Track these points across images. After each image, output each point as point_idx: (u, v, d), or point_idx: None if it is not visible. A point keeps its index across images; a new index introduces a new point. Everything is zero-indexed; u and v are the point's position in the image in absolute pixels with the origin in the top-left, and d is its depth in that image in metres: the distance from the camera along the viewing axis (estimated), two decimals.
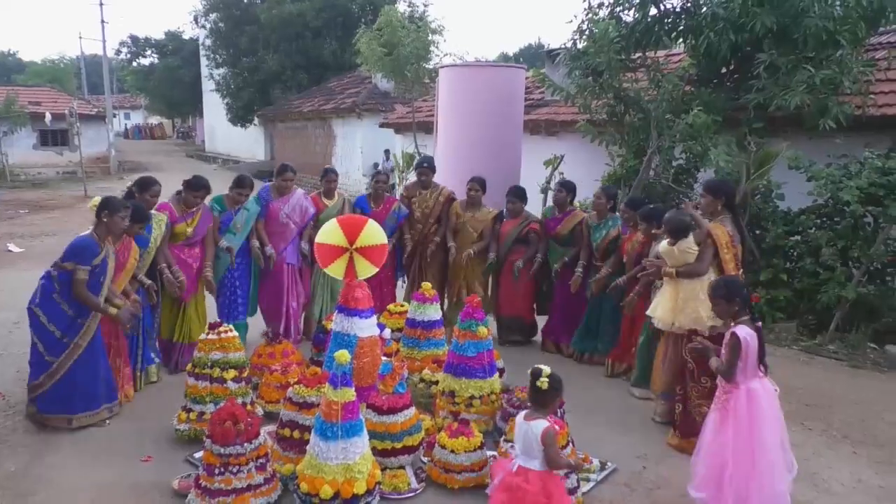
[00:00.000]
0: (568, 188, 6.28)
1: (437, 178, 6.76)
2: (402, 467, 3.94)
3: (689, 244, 4.43)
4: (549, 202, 9.26)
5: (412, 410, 4.04)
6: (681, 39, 8.75)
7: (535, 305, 6.57)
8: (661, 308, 4.57)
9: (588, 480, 3.94)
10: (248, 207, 5.79)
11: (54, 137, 25.36)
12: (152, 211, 5.15)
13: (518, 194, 6.40)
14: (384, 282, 6.46)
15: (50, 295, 4.27)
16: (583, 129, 8.58)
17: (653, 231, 5.04)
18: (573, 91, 8.41)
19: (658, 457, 4.32)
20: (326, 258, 4.36)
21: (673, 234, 4.44)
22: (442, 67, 8.70)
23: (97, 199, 4.54)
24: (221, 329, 4.50)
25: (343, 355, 3.49)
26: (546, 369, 3.22)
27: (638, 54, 8.59)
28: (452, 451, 3.84)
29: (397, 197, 6.75)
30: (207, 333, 4.50)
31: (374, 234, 4.35)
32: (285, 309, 6.11)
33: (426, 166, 6.57)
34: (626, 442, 4.51)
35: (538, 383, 3.19)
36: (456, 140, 7.90)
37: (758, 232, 7.46)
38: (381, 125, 17.31)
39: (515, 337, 6.52)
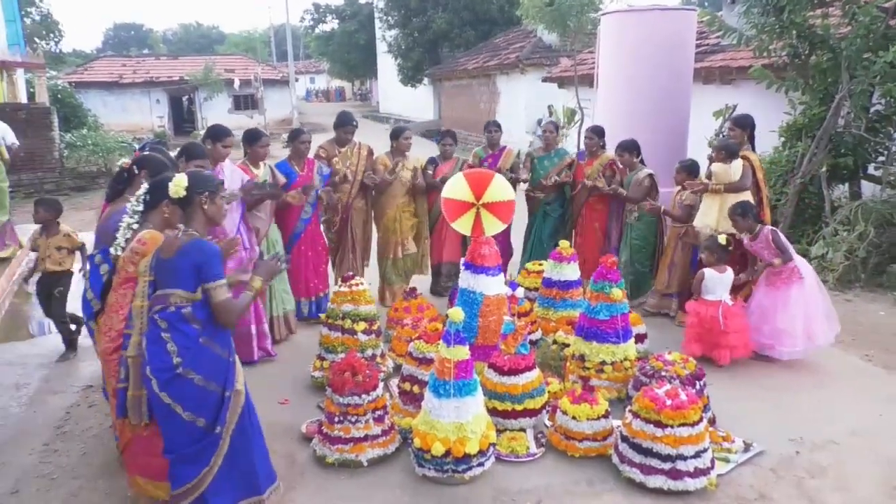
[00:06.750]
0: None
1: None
2: (522, 430, 3.80)
3: (739, 165, 5.29)
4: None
5: (535, 372, 3.87)
6: None
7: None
8: (711, 217, 5.38)
9: (727, 461, 3.56)
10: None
11: (245, 102, 27.65)
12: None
13: (452, 135, 6.52)
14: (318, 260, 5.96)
15: (197, 342, 2.91)
16: (756, 75, 7.67)
17: (634, 160, 5.97)
18: (749, 31, 7.52)
19: (817, 442, 3.81)
20: (453, 213, 4.27)
21: (729, 156, 5.32)
22: (604, 14, 8.15)
23: (182, 181, 2.94)
24: (353, 282, 4.60)
25: (457, 313, 3.39)
26: (721, 236, 4.89)
27: None
28: (574, 418, 3.63)
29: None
30: (340, 286, 4.62)
31: (500, 189, 4.18)
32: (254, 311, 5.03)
33: (354, 125, 6.15)
34: (780, 421, 4.03)
35: (722, 241, 4.86)
36: (618, 92, 7.40)
37: None
38: (544, 80, 16.84)
39: (452, 283, 6.16)
